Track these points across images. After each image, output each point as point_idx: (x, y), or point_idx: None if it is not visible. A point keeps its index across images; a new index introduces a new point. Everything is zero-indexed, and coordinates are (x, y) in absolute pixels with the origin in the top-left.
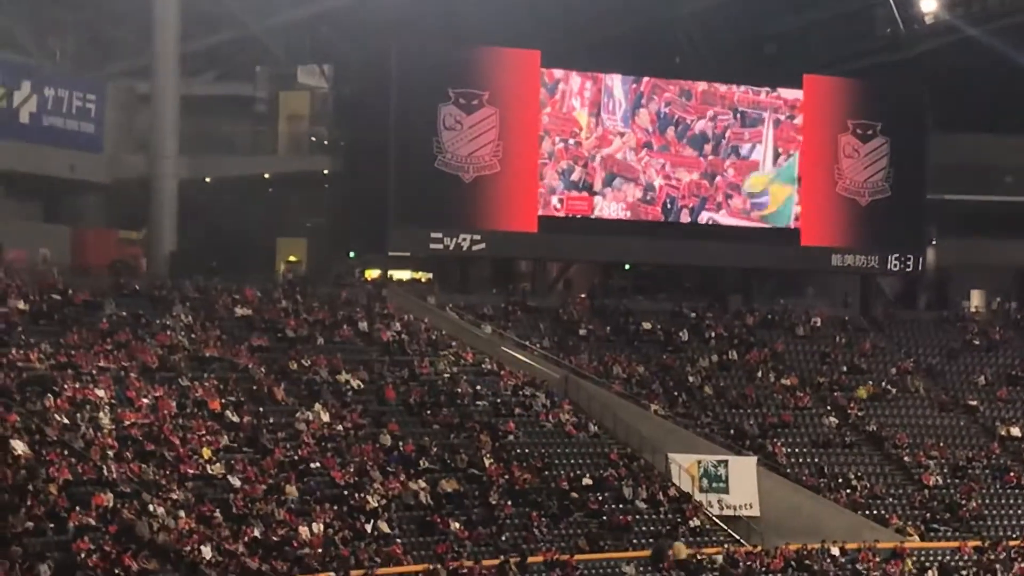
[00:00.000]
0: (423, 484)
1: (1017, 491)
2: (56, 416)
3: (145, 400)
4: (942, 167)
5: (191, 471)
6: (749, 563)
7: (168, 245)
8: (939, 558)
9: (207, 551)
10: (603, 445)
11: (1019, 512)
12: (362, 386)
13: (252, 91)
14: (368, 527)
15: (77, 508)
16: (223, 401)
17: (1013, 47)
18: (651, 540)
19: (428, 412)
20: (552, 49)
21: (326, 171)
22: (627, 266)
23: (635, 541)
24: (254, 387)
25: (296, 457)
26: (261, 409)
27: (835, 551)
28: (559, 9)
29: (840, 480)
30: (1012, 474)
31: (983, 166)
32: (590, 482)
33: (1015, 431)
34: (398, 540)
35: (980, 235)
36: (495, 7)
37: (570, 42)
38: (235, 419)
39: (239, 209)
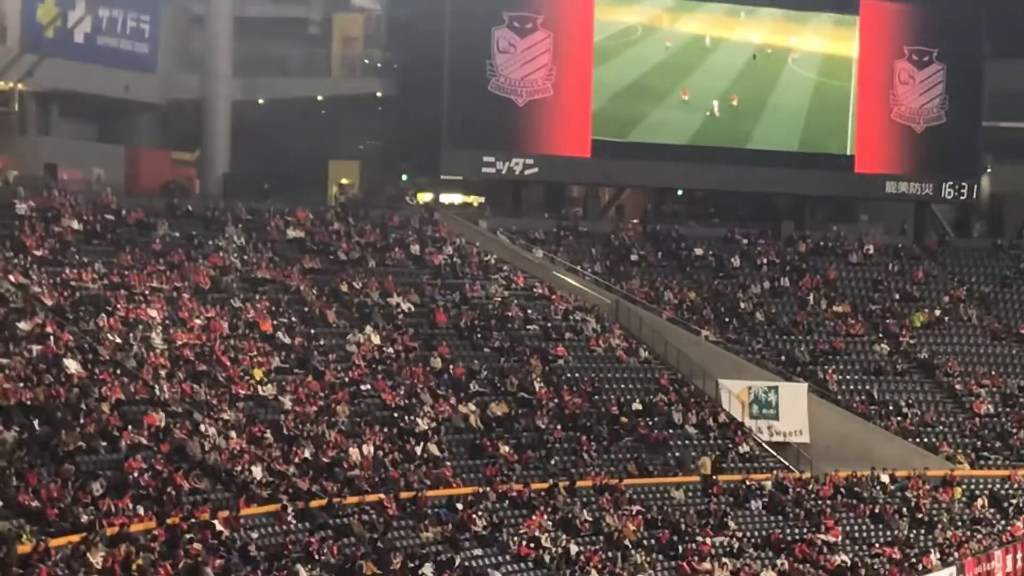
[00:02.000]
0: (473, 407)
1: None
2: (109, 336)
3: (197, 321)
4: (998, 94)
5: (242, 392)
6: (798, 489)
7: (221, 166)
8: (989, 486)
9: (258, 471)
10: (653, 371)
11: None
12: (413, 309)
13: (306, 12)
14: (418, 449)
15: (129, 427)
16: (274, 322)
17: None
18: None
19: (479, 336)
20: None
21: (379, 94)
22: (679, 191)
23: (684, 466)
24: (305, 309)
25: (347, 379)
26: (312, 331)
27: (885, 478)
28: None
29: (891, 407)
30: None
31: None
32: (640, 407)
33: None
34: (447, 463)
35: None
36: None
37: None
38: (286, 340)
39: (292, 131)
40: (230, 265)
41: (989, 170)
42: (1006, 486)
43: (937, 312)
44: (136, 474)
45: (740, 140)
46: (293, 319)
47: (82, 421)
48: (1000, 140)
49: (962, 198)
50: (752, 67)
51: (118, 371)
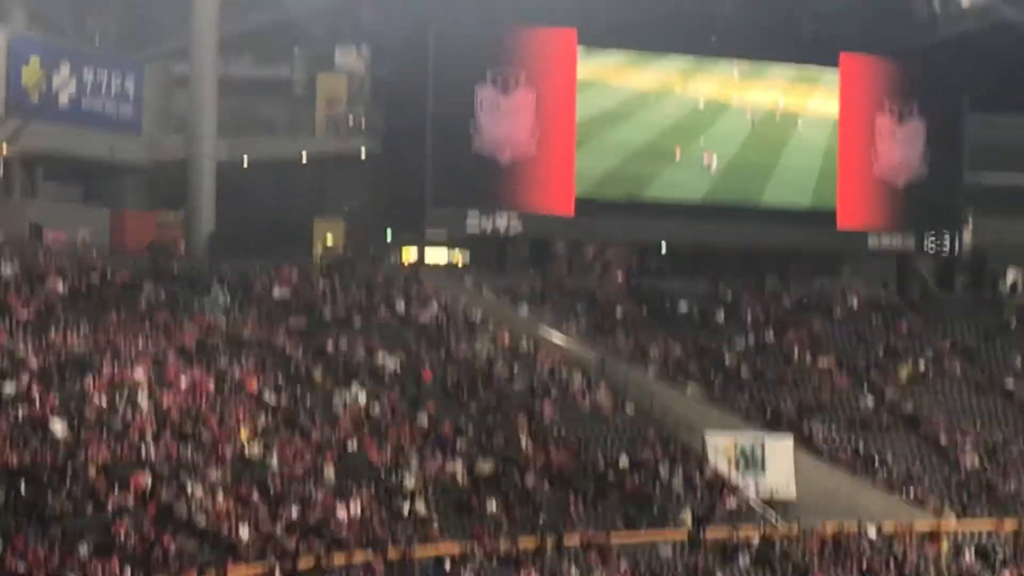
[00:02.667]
0: (460, 465)
1: None
2: (95, 397)
3: (183, 381)
4: (978, 147)
5: (229, 452)
6: (786, 544)
7: (206, 227)
8: (976, 539)
9: (245, 532)
10: (639, 426)
11: None
12: (399, 367)
13: (290, 73)
14: (405, 508)
15: (116, 489)
16: (261, 382)
17: None
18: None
19: (465, 393)
20: (588, 28)
21: (363, 153)
22: (663, 248)
23: (672, 522)
24: (292, 368)
25: (333, 438)
26: (299, 390)
27: (872, 532)
28: None
29: (877, 461)
30: None
31: (1019, 146)
32: (627, 463)
33: None
34: (435, 521)
35: (1017, 215)
36: None
37: (607, 20)
38: (273, 400)
39: (277, 191)
40: (216, 325)
41: (971, 223)
42: (992, 539)
43: (922, 365)
44: (123, 536)
45: (725, 197)
46: (279, 378)
47: (68, 483)
48: (981, 193)
49: (944, 251)
50: (738, 127)
51: (104, 433)
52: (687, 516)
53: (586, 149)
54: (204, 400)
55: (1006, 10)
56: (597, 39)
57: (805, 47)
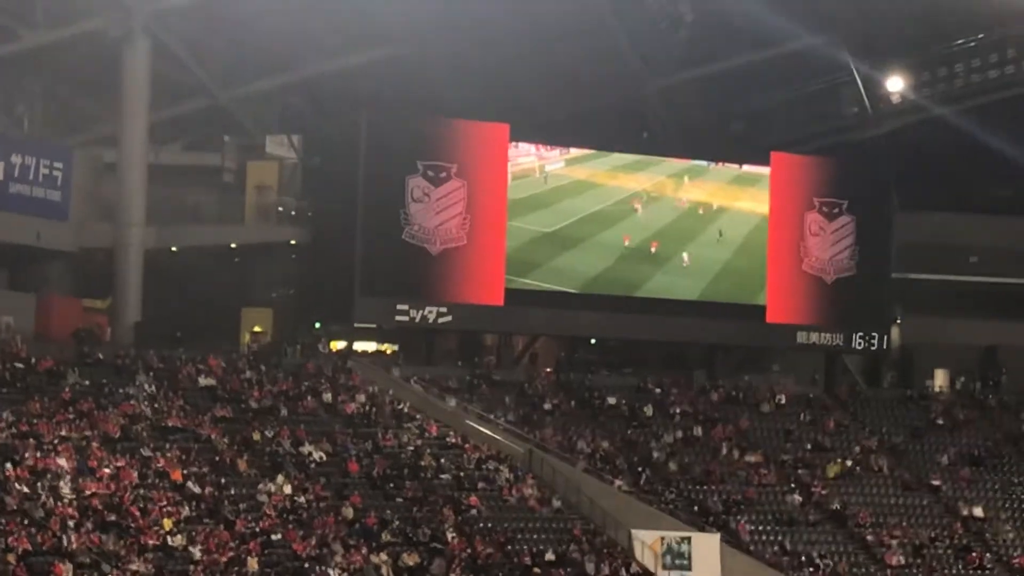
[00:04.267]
0: (385, 557)
1: (979, 572)
2: (16, 485)
3: (107, 470)
4: (908, 246)
5: (152, 542)
6: None
7: (133, 314)
8: None
9: None
10: (566, 520)
11: None
12: (325, 458)
13: (220, 161)
14: None
15: None
16: (185, 472)
17: (979, 127)
18: None
19: (391, 485)
20: (521, 123)
21: (293, 241)
22: (592, 340)
23: None
24: (216, 458)
25: (258, 529)
26: (223, 480)
27: None
28: (528, 83)
29: (803, 559)
30: (974, 554)
31: (948, 246)
32: (553, 557)
33: (977, 511)
34: None
35: (945, 314)
36: (465, 80)
37: (539, 116)
38: (197, 490)
39: (205, 279)
40: (140, 414)
41: (899, 321)
42: None
43: (848, 462)
44: None
45: (654, 290)
46: (204, 468)
47: None
48: (910, 292)
49: (872, 349)
50: (676, 221)
51: (25, 521)
52: None
53: (516, 240)
54: (127, 490)
55: (934, 106)
56: (529, 135)
57: (736, 146)
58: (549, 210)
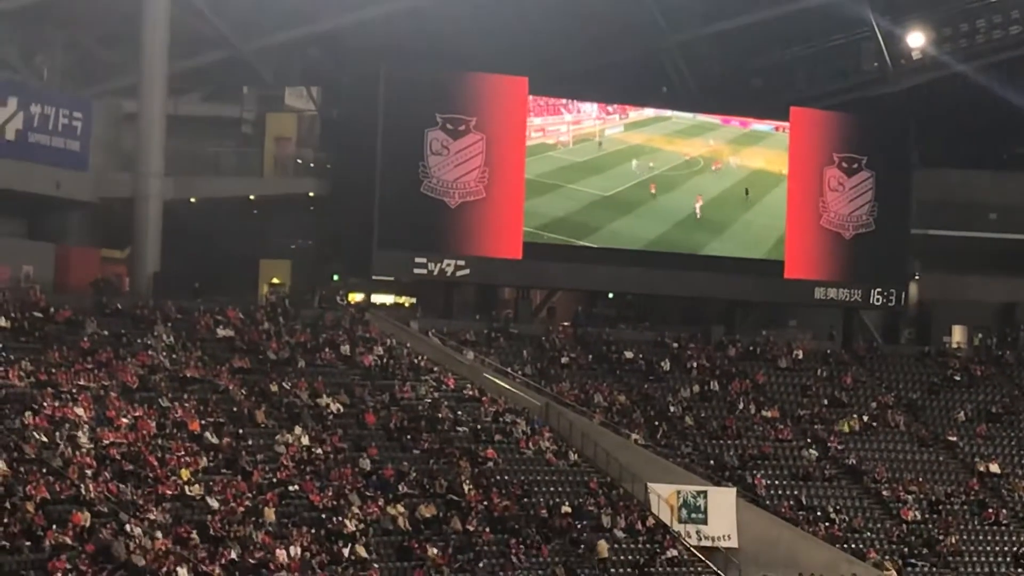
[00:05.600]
0: (401, 509)
1: (995, 527)
2: (35, 434)
3: (124, 420)
4: (926, 202)
5: (169, 492)
6: None
7: (152, 265)
8: None
9: (183, 572)
10: (583, 473)
11: (997, 548)
12: (342, 410)
13: (239, 112)
14: (346, 551)
15: (54, 527)
16: (203, 422)
17: (999, 84)
18: (630, 570)
19: (408, 437)
20: (540, 75)
21: (312, 194)
22: (610, 295)
23: (613, 571)
24: (234, 409)
25: (275, 480)
26: (241, 431)
27: None
28: (548, 36)
29: (819, 513)
30: (990, 510)
31: (967, 202)
32: (569, 510)
33: (994, 468)
34: (375, 565)
35: (963, 271)
36: (484, 32)
37: (559, 69)
38: (214, 440)
39: (224, 230)
40: (158, 364)
41: (917, 277)
42: None
43: (865, 418)
44: (60, 574)
45: (672, 245)
46: (221, 419)
47: (6, 520)
48: (928, 248)
49: (890, 305)
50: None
51: (44, 470)
52: (602, 546)
53: (535, 194)
54: (145, 440)
55: (955, 63)
56: (548, 88)
57: (755, 101)
58: (602, 175)
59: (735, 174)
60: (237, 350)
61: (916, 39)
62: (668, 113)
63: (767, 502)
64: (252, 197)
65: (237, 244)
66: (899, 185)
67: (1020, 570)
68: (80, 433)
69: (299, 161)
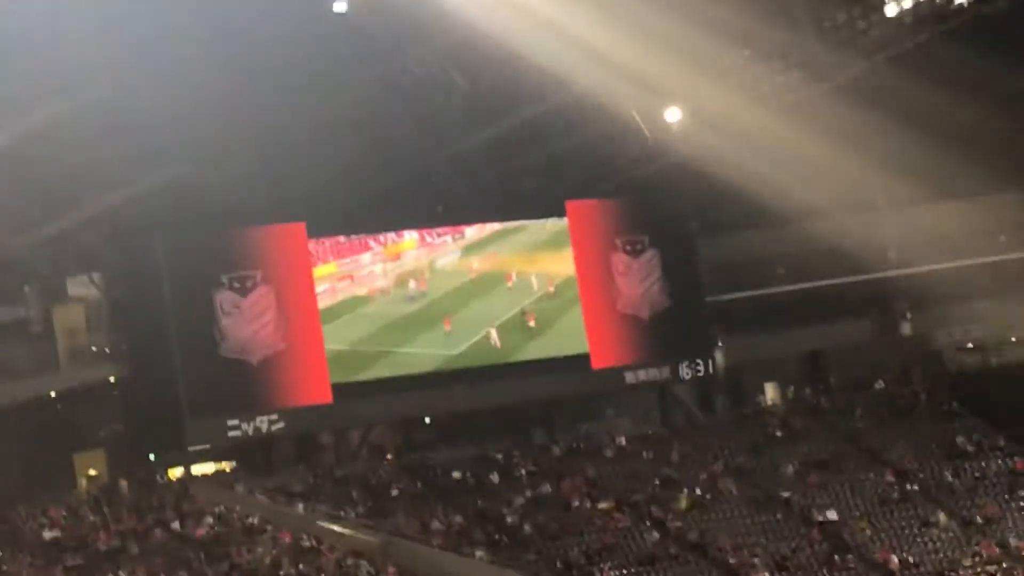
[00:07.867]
0: None
1: (846, 574)
2: None
3: None
4: (716, 268)
5: None
6: None
7: None
8: None
9: None
10: None
11: None
12: None
13: (24, 312)
14: None
15: None
16: None
17: None
18: None
19: None
20: (318, 218)
21: (112, 379)
22: (427, 420)
23: None
24: None
25: None
26: None
27: None
28: (322, 176)
29: None
30: (837, 557)
31: (753, 260)
32: None
33: (831, 515)
34: None
35: (764, 329)
36: (252, 184)
37: (339, 206)
38: None
39: (30, 433)
40: None
41: (720, 344)
42: None
43: (698, 491)
44: None
45: (478, 359)
46: None
47: None
48: (726, 313)
49: (700, 375)
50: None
51: None
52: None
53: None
54: None
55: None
56: (327, 228)
57: (532, 202)
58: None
59: (527, 287)
60: (67, 548)
61: (673, 113)
62: (465, 229)
63: None
64: (53, 394)
65: (47, 444)
66: (685, 257)
67: None
68: None
69: (94, 349)
